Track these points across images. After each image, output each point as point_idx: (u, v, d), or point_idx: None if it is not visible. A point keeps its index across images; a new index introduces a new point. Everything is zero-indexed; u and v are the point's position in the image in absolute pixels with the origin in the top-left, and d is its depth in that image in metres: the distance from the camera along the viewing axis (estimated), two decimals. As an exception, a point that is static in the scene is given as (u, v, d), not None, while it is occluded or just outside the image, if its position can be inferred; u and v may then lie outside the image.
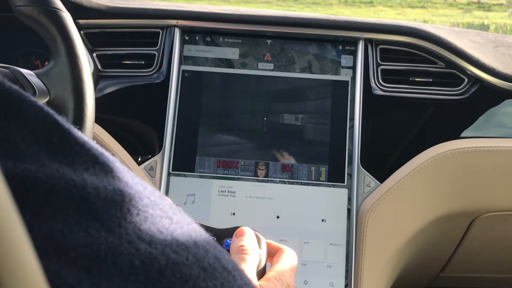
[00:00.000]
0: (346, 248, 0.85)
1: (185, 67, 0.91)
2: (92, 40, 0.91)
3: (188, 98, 0.90)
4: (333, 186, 0.87)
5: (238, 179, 0.87)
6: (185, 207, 0.86)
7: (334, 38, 0.92)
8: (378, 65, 0.91)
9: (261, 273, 0.48)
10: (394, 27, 0.92)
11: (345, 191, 0.87)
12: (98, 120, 0.71)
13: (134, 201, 0.22)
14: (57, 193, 0.20)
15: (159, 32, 0.91)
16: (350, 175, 0.87)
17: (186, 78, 0.90)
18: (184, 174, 0.87)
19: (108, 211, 0.21)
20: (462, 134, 0.90)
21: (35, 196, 0.20)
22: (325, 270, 0.84)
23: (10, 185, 0.17)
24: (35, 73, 0.63)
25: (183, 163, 0.88)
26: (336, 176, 0.87)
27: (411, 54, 0.92)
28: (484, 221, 0.95)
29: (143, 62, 0.91)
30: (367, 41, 0.91)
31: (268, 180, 0.87)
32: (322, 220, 0.86)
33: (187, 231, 0.24)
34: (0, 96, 0.21)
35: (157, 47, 0.91)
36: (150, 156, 0.88)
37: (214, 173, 0.87)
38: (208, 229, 0.50)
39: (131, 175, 0.24)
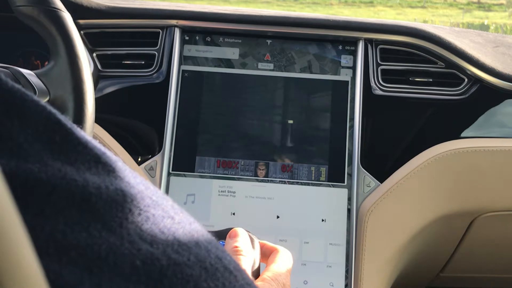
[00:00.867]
0: (346, 248, 0.85)
1: (185, 67, 0.91)
2: (92, 40, 0.91)
3: (188, 98, 0.90)
4: (333, 186, 0.87)
5: (238, 179, 0.87)
6: (185, 207, 0.86)
7: (334, 38, 0.92)
8: (378, 65, 0.91)
9: (256, 274, 0.48)
10: (394, 27, 0.92)
11: (345, 191, 0.87)
12: (98, 120, 0.71)
13: (136, 201, 0.22)
14: (59, 193, 0.20)
15: (159, 32, 0.91)
16: (350, 175, 0.87)
17: (186, 78, 0.90)
18: (184, 174, 0.87)
19: (109, 211, 0.21)
20: (462, 134, 0.90)
21: (37, 196, 0.20)
22: (325, 270, 0.84)
23: (12, 184, 0.17)
24: (35, 73, 0.63)
25: (183, 163, 0.88)
26: (336, 176, 0.87)
27: (411, 54, 0.92)
28: (484, 221, 0.95)
29: (143, 62, 0.91)
30: (367, 41, 0.91)
31: (268, 180, 0.87)
32: (322, 220, 0.86)
33: (189, 231, 0.24)
34: (2, 96, 0.21)
35: (157, 47, 0.91)
36: (150, 156, 0.88)
37: (214, 173, 0.87)
38: None
39: (133, 175, 0.24)
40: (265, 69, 0.91)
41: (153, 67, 0.90)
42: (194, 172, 0.88)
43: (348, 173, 0.87)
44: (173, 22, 0.91)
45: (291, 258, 0.51)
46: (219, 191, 0.87)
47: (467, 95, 0.91)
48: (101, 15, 0.91)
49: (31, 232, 0.18)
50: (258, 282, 0.45)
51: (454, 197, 0.90)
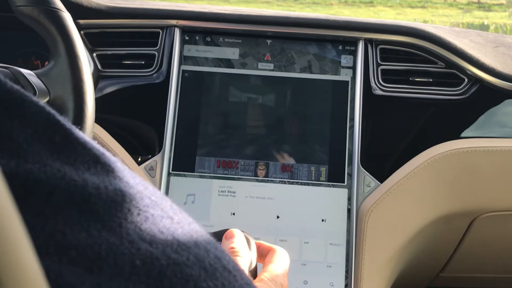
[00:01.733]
0: (346, 248, 0.85)
1: (185, 67, 0.91)
2: (92, 40, 0.91)
3: (188, 98, 0.90)
4: (333, 186, 0.87)
5: (238, 179, 0.87)
6: (185, 207, 0.86)
7: (334, 38, 0.92)
8: (378, 65, 0.91)
9: (253, 274, 0.48)
10: (394, 27, 0.92)
11: (345, 191, 0.87)
12: (98, 120, 0.71)
13: (135, 201, 0.22)
14: (59, 193, 0.20)
15: (159, 32, 0.91)
16: (350, 175, 0.87)
17: (186, 78, 0.90)
18: (184, 174, 0.88)
19: (109, 211, 0.21)
20: (462, 134, 0.90)
21: (36, 196, 0.20)
22: (325, 270, 0.84)
23: (12, 184, 0.17)
24: (35, 73, 0.63)
25: (183, 163, 0.88)
26: (336, 176, 0.87)
27: (411, 54, 0.92)
28: (484, 221, 0.95)
29: (143, 62, 0.91)
30: (367, 41, 0.91)
31: (268, 180, 0.87)
32: (322, 220, 0.86)
33: (188, 231, 0.24)
34: (2, 96, 0.21)
35: (157, 47, 0.91)
36: (150, 156, 0.88)
37: (214, 173, 0.87)
38: None
39: (132, 175, 0.24)
40: (265, 69, 0.91)
41: (153, 67, 0.90)
42: (194, 172, 0.88)
43: (348, 173, 0.87)
44: (173, 22, 0.91)
45: (288, 257, 0.51)
46: (219, 191, 0.87)
47: (467, 95, 0.91)
48: (101, 15, 0.91)
49: (31, 232, 0.18)
50: (256, 283, 0.45)
51: (454, 197, 0.90)
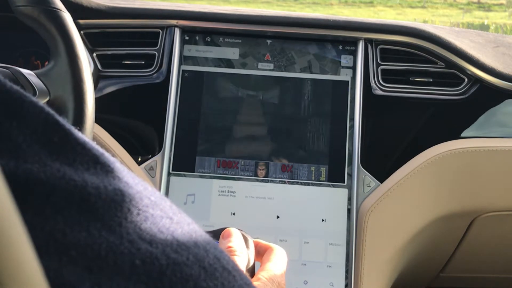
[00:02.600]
0: (346, 248, 0.85)
1: (185, 67, 0.91)
2: (92, 40, 0.91)
3: (188, 98, 0.90)
4: (333, 186, 0.87)
5: (238, 179, 0.87)
6: (185, 207, 0.86)
7: (334, 38, 0.92)
8: (378, 65, 0.91)
9: (250, 273, 0.48)
10: (394, 27, 0.92)
11: (345, 191, 0.87)
12: (98, 120, 0.71)
13: (134, 201, 0.22)
14: (58, 193, 0.20)
15: (159, 32, 0.91)
16: (350, 175, 0.87)
17: (186, 78, 0.90)
18: (184, 174, 0.88)
19: (108, 211, 0.21)
20: (462, 134, 0.90)
21: (36, 196, 0.20)
22: (325, 270, 0.84)
23: (12, 185, 0.17)
24: (35, 73, 0.63)
25: (183, 163, 0.88)
26: (336, 176, 0.87)
27: (411, 54, 0.92)
28: (484, 221, 0.95)
29: (143, 62, 0.91)
30: (367, 41, 0.91)
31: (268, 180, 0.87)
32: (322, 220, 0.86)
33: (187, 231, 0.24)
34: (1, 97, 0.21)
35: (157, 47, 0.91)
36: (150, 156, 0.88)
37: (214, 173, 0.88)
38: None
39: (131, 176, 0.24)
40: (265, 69, 0.91)
41: (153, 67, 0.90)
42: (194, 172, 0.88)
43: (348, 173, 0.87)
44: (173, 22, 0.91)
45: (286, 256, 0.51)
46: (219, 191, 0.87)
47: (467, 95, 0.91)
48: (101, 15, 0.91)
49: (31, 232, 0.18)
50: (254, 282, 0.45)
51: (454, 197, 0.90)
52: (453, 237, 1.00)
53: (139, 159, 0.88)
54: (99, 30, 0.92)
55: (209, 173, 0.88)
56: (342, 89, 0.90)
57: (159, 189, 0.86)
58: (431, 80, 0.91)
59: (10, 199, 0.16)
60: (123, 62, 0.91)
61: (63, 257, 0.19)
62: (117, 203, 0.21)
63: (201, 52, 0.92)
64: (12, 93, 0.21)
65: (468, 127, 0.91)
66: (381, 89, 0.90)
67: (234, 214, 0.86)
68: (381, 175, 0.87)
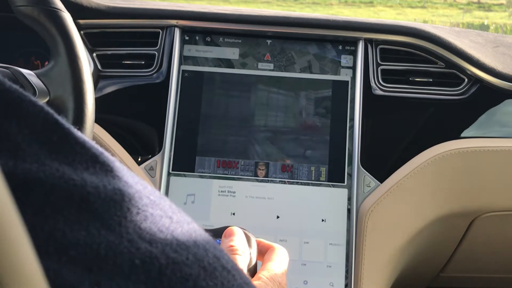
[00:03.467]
0: (346, 248, 0.85)
1: (185, 67, 0.91)
2: (92, 40, 0.91)
3: (188, 98, 0.90)
4: (333, 186, 0.87)
5: (238, 179, 0.87)
6: (185, 207, 0.86)
7: (334, 38, 0.92)
8: (378, 65, 0.91)
9: (252, 272, 0.48)
10: (394, 27, 0.92)
11: (345, 191, 0.87)
12: (98, 120, 0.71)
13: (134, 201, 0.22)
14: (57, 192, 0.20)
15: (159, 32, 0.91)
16: (350, 175, 0.87)
17: (186, 78, 0.90)
18: (184, 174, 0.88)
19: (108, 210, 0.21)
20: (462, 134, 0.90)
21: (35, 196, 0.20)
22: (325, 270, 0.84)
23: (11, 184, 0.17)
24: (35, 73, 0.63)
25: (183, 163, 0.88)
26: (336, 176, 0.87)
27: (411, 54, 0.92)
28: (484, 221, 0.95)
29: (143, 62, 0.91)
30: (367, 41, 0.91)
31: (268, 180, 0.87)
32: (322, 220, 0.86)
33: (187, 230, 0.24)
34: (0, 96, 0.21)
35: (157, 47, 0.91)
36: (150, 156, 0.88)
37: (214, 173, 0.87)
38: None
39: (130, 175, 0.24)
40: (265, 69, 0.91)
41: (153, 67, 0.90)
42: (194, 172, 0.88)
43: (348, 173, 0.87)
44: (173, 22, 0.91)
45: (287, 256, 0.51)
46: (219, 191, 0.87)
47: (467, 95, 0.91)
48: (101, 15, 0.91)
49: (31, 232, 0.18)
50: (254, 282, 0.45)
51: (454, 197, 0.90)
52: (453, 237, 1.00)
53: (139, 159, 0.88)
54: (99, 30, 0.92)
55: (209, 173, 0.88)
56: (342, 89, 0.90)
57: (159, 189, 0.86)
58: (431, 80, 0.91)
59: (10, 199, 0.16)
60: (123, 62, 0.91)
61: (63, 256, 0.19)
62: (116, 202, 0.21)
63: (201, 52, 0.92)
64: (11, 92, 0.21)
65: (468, 127, 0.91)
66: (381, 89, 0.90)
67: (234, 214, 0.86)
68: (381, 175, 0.87)
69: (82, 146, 0.22)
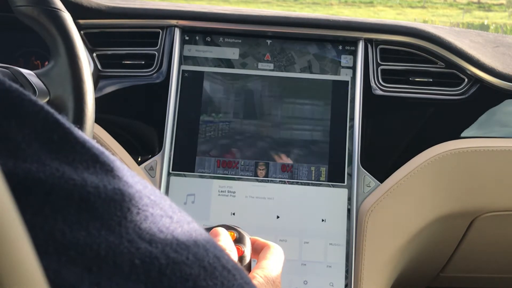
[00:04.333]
0: (346, 248, 0.85)
1: (185, 67, 0.91)
2: (92, 40, 0.91)
3: (188, 98, 0.90)
4: (333, 186, 0.87)
5: (238, 179, 0.87)
6: (185, 207, 0.86)
7: (334, 38, 0.92)
8: (378, 65, 0.91)
9: (246, 270, 0.48)
10: (394, 27, 0.92)
11: (345, 191, 0.87)
12: (98, 120, 0.71)
13: (134, 200, 0.22)
14: (57, 192, 0.20)
15: (159, 32, 0.91)
16: (350, 175, 0.87)
17: (186, 78, 0.90)
18: (184, 174, 0.87)
19: (108, 210, 0.21)
20: (462, 134, 0.90)
21: (35, 196, 0.20)
22: (325, 270, 0.84)
23: (11, 184, 0.17)
24: (35, 73, 0.63)
25: (183, 163, 0.88)
26: (336, 176, 0.87)
27: (411, 54, 0.92)
28: (484, 221, 0.95)
29: (143, 62, 0.91)
30: (367, 41, 0.91)
31: (268, 180, 0.87)
32: (322, 220, 0.86)
33: (187, 230, 0.24)
34: (0, 96, 0.21)
35: (157, 47, 0.91)
36: (150, 156, 0.88)
37: (214, 173, 0.87)
38: None
39: (131, 174, 0.24)
40: (265, 69, 0.91)
41: (153, 67, 0.90)
42: (194, 172, 0.88)
43: (348, 173, 0.87)
44: (173, 22, 0.91)
45: (282, 254, 0.51)
46: (219, 191, 0.87)
47: (467, 95, 0.91)
48: (101, 15, 0.91)
49: (31, 231, 0.18)
50: None
51: (454, 197, 0.90)
52: (453, 237, 1.00)
53: (139, 159, 0.88)
54: (99, 30, 0.92)
55: (209, 173, 0.88)
56: (342, 89, 0.90)
57: (159, 189, 0.86)
58: (431, 80, 0.91)
59: (10, 199, 0.16)
60: (123, 62, 0.91)
61: (63, 256, 0.19)
62: (116, 202, 0.21)
63: (201, 52, 0.92)
64: (11, 92, 0.21)
65: (468, 127, 0.91)
66: (381, 89, 0.90)
67: (234, 214, 0.86)
68: (381, 175, 0.87)
69: (82, 146, 0.22)
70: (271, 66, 0.91)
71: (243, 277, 0.24)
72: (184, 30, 0.92)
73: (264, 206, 0.86)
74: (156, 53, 0.90)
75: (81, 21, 0.90)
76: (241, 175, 0.87)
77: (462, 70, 0.91)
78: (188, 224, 0.25)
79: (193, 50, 0.91)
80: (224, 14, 0.92)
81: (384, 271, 0.86)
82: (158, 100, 0.89)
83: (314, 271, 0.84)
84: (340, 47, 0.92)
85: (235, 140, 0.89)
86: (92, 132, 0.64)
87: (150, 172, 0.87)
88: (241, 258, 0.50)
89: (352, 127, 0.88)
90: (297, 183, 0.87)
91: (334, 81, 0.90)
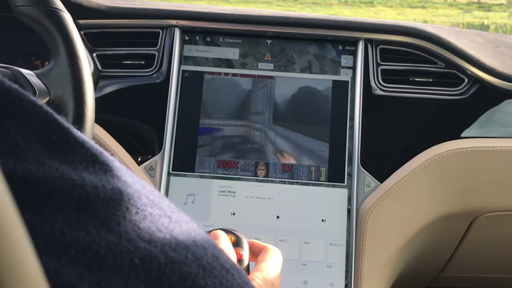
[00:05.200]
0: (346, 248, 0.85)
1: (185, 67, 0.91)
2: (92, 40, 0.91)
3: (188, 98, 0.90)
4: (333, 186, 0.87)
5: (238, 179, 0.87)
6: (185, 207, 0.86)
7: (334, 38, 0.92)
8: (378, 65, 0.91)
9: (245, 273, 0.48)
10: (394, 27, 0.92)
11: (345, 191, 0.87)
12: (98, 120, 0.71)
13: (133, 200, 0.22)
14: (57, 192, 0.20)
15: (159, 32, 0.91)
16: (350, 175, 0.87)
17: (186, 78, 0.90)
18: (184, 174, 0.88)
19: (107, 210, 0.21)
20: (462, 134, 0.90)
21: (35, 195, 0.20)
22: (325, 270, 0.84)
23: (10, 184, 0.17)
24: (35, 73, 0.63)
25: (183, 163, 0.88)
26: (336, 176, 0.87)
27: (411, 54, 0.92)
28: (484, 221, 0.95)
29: (143, 62, 0.91)
30: (367, 41, 0.91)
31: (268, 180, 0.87)
32: (322, 220, 0.86)
33: (185, 229, 0.24)
34: (0, 96, 0.21)
35: (157, 47, 0.91)
36: (150, 156, 0.88)
37: (214, 173, 0.88)
38: None
39: (130, 174, 0.24)
40: (265, 69, 0.91)
41: (153, 67, 0.90)
42: (194, 172, 0.88)
43: (348, 173, 0.87)
44: (173, 22, 0.91)
45: (281, 256, 0.51)
46: (219, 191, 0.87)
47: (467, 95, 0.91)
48: (101, 15, 0.91)
49: (30, 231, 0.18)
50: None
51: (454, 197, 0.90)
52: (453, 237, 1.00)
53: (139, 159, 0.88)
54: (99, 30, 0.92)
55: (209, 173, 0.88)
56: (342, 89, 0.90)
57: (159, 189, 0.86)
58: (431, 80, 0.91)
59: (9, 199, 0.16)
60: (123, 62, 0.91)
61: (62, 256, 0.19)
62: (115, 202, 0.21)
63: (201, 52, 0.92)
64: (10, 92, 0.21)
65: (468, 127, 0.91)
66: (381, 89, 0.90)
67: (234, 214, 0.86)
68: (381, 175, 0.87)
69: (81, 146, 0.22)
70: (271, 66, 0.91)
71: (241, 276, 0.25)
72: (184, 30, 0.92)
73: (264, 206, 0.86)
74: (156, 53, 0.91)
75: (81, 21, 0.90)
76: (241, 175, 0.87)
77: (462, 70, 0.91)
78: (187, 224, 0.25)
79: (193, 50, 0.92)
80: (224, 14, 0.92)
81: (384, 271, 0.86)
82: (158, 100, 0.89)
83: (314, 271, 0.84)
84: (340, 47, 0.92)
85: (235, 140, 0.89)
86: (92, 132, 0.64)
87: (150, 172, 0.87)
88: (239, 261, 0.50)
89: (352, 127, 0.88)
90: (297, 183, 0.87)
91: (334, 81, 0.90)
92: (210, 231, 0.52)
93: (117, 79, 0.90)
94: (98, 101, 0.68)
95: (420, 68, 0.92)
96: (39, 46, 0.93)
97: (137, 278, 0.20)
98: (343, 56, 0.91)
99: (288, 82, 0.90)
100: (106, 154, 0.23)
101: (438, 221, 0.90)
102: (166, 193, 0.87)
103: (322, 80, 0.90)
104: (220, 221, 0.85)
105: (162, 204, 0.24)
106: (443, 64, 0.91)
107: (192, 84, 0.90)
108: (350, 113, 0.89)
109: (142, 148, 0.89)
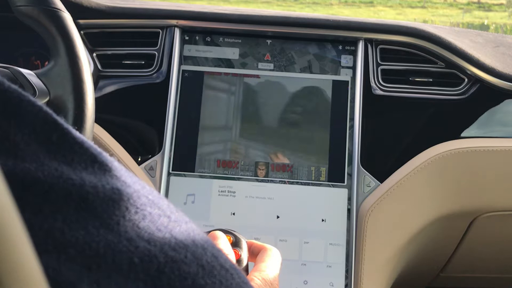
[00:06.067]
0: (346, 248, 0.85)
1: (185, 67, 0.91)
2: (92, 40, 0.91)
3: (188, 98, 0.90)
4: (333, 186, 0.87)
5: (238, 179, 0.87)
6: (185, 207, 0.86)
7: (334, 38, 0.92)
8: (378, 65, 0.91)
9: (244, 273, 0.48)
10: (394, 27, 0.92)
11: (345, 191, 0.87)
12: (98, 120, 0.71)
13: (132, 200, 0.22)
14: (56, 192, 0.20)
15: (159, 32, 0.91)
16: (350, 175, 0.87)
17: (186, 78, 0.90)
18: (184, 174, 0.88)
19: (106, 209, 0.21)
20: (462, 134, 0.90)
21: (34, 195, 0.20)
22: (325, 270, 0.84)
23: (10, 184, 0.18)
24: (35, 73, 0.63)
25: (183, 163, 0.88)
26: (336, 176, 0.87)
27: (411, 54, 0.92)
28: (484, 221, 0.95)
29: (143, 62, 0.91)
30: (367, 41, 0.91)
31: (268, 180, 0.87)
32: (322, 220, 0.86)
33: (185, 229, 0.24)
34: None
35: (157, 47, 0.91)
36: (150, 156, 0.88)
37: (214, 173, 0.88)
38: None
39: (129, 174, 0.24)
40: (265, 69, 0.91)
41: (153, 67, 0.90)
42: (194, 172, 0.88)
43: (348, 173, 0.87)
44: (173, 22, 0.91)
45: (280, 257, 0.51)
46: (219, 191, 0.87)
47: (467, 95, 0.91)
48: (101, 15, 0.91)
49: (30, 230, 0.18)
50: None
51: (454, 197, 0.90)
52: (453, 237, 1.00)
53: (139, 159, 0.88)
54: (99, 30, 0.92)
55: (209, 173, 0.88)
56: (342, 89, 0.90)
57: (159, 189, 0.86)
58: (431, 80, 0.91)
59: (9, 198, 0.16)
60: (123, 62, 0.91)
61: (62, 255, 0.19)
62: (115, 201, 0.22)
63: (201, 52, 0.92)
64: (10, 92, 0.21)
65: (468, 127, 0.91)
66: (381, 89, 0.90)
67: (234, 214, 0.86)
68: (381, 175, 0.87)
69: (80, 146, 0.23)
70: (271, 66, 0.91)
71: (240, 276, 0.25)
72: (184, 30, 0.92)
73: (264, 206, 0.86)
74: (156, 53, 0.91)
75: (81, 21, 0.90)
76: (241, 175, 0.87)
77: (462, 70, 0.91)
78: (186, 224, 0.25)
79: (193, 50, 0.92)
80: (224, 14, 0.92)
81: (384, 271, 0.86)
82: (158, 100, 0.89)
83: (314, 271, 0.84)
84: (340, 47, 0.92)
85: (235, 140, 0.89)
86: (92, 132, 0.64)
87: (150, 172, 0.87)
88: (238, 261, 0.51)
89: (352, 127, 0.88)
90: (297, 183, 0.87)
91: (334, 81, 0.90)
92: (208, 232, 0.52)
93: (117, 79, 0.90)
94: (98, 101, 0.68)
95: (420, 68, 0.92)
96: (39, 46, 0.94)
97: (137, 277, 0.20)
98: (343, 56, 0.91)
99: (288, 82, 0.90)
100: (105, 154, 0.24)
101: (438, 221, 0.90)
102: (166, 193, 0.87)
103: (322, 80, 0.90)
104: (220, 221, 0.85)
105: (161, 203, 0.24)
106: (443, 64, 0.91)
107: (192, 84, 0.90)
108: (350, 113, 0.89)
109: (142, 148, 0.89)
